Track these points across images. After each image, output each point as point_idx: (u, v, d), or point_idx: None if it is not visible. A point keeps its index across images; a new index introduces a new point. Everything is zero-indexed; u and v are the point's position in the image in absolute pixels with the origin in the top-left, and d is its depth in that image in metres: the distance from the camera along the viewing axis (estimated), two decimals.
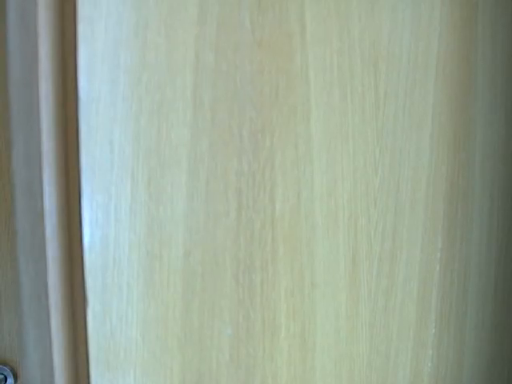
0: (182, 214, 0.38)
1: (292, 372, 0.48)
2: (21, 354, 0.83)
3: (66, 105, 0.33)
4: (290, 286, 0.47)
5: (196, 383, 0.40)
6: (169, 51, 0.36)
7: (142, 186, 0.35)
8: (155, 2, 0.35)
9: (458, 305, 0.71)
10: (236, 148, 0.41)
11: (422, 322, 0.64)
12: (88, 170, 0.33)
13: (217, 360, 0.41)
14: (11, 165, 0.34)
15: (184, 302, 0.39)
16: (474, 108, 0.69)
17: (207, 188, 0.39)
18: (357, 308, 0.55)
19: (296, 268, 0.47)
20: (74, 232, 0.33)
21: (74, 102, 0.32)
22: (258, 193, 0.43)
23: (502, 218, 0.74)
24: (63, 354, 0.33)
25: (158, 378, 0.37)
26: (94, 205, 0.33)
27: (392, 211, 0.58)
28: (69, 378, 0.34)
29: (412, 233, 0.61)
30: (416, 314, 0.63)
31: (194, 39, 0.38)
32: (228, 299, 0.42)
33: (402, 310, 0.61)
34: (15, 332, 0.81)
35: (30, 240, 0.33)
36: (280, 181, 0.45)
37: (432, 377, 0.68)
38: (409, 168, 0.60)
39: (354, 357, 0.56)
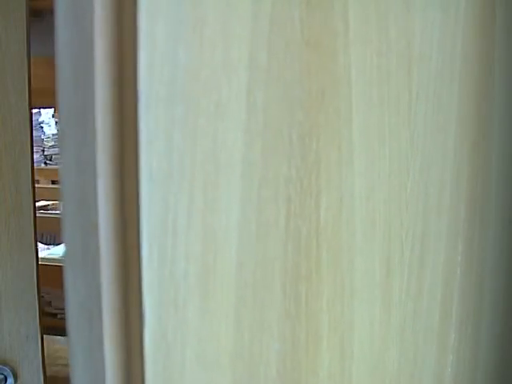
0: (235, 222, 0.35)
1: None
2: (21, 354, 0.80)
3: (123, 108, 0.30)
4: (332, 295, 0.45)
5: None
6: (225, 49, 0.34)
7: (198, 193, 0.33)
8: None
9: (475, 308, 0.70)
10: (286, 152, 0.39)
11: (444, 326, 0.63)
12: (146, 177, 0.30)
13: (265, 376, 0.39)
14: (60, 172, 0.31)
15: (236, 316, 0.36)
16: (492, 109, 0.68)
17: (259, 195, 0.37)
18: (389, 314, 0.53)
19: (337, 277, 0.45)
20: (131, 245, 0.30)
21: (132, 105, 0.29)
22: (304, 199, 0.41)
23: None
24: (117, 379, 0.30)
25: None
26: (151, 215, 0.30)
27: (421, 215, 0.57)
28: None
29: (437, 236, 0.60)
30: (439, 318, 0.62)
31: (248, 36, 0.35)
32: (276, 312, 0.39)
33: (428, 315, 0.60)
34: (15, 332, 0.79)
35: (81, 254, 0.30)
36: (324, 186, 0.43)
37: (451, 382, 0.67)
38: (436, 171, 0.59)
39: (386, 364, 0.54)
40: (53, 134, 5.26)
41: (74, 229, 0.30)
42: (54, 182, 4.78)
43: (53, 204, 4.04)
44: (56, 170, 4.87)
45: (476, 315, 0.71)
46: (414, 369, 0.59)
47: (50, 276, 2.32)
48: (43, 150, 5.06)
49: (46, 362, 0.83)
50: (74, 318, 0.31)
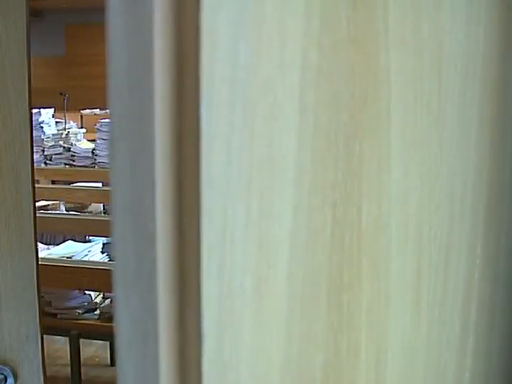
0: (287, 231, 0.33)
1: None
2: (21, 354, 0.77)
3: (182, 110, 0.28)
4: (370, 304, 0.44)
5: None
6: (280, 47, 0.32)
7: (255, 201, 0.31)
8: None
9: (489, 312, 0.70)
10: (333, 155, 0.37)
11: (464, 329, 0.63)
12: (206, 186, 0.28)
13: None
14: (112, 180, 0.28)
15: (286, 329, 0.34)
16: (508, 111, 0.68)
17: (309, 201, 0.35)
18: (418, 320, 0.52)
19: (375, 284, 0.44)
20: (190, 258, 0.28)
21: (192, 108, 0.27)
22: (348, 204, 0.39)
23: None
24: None
25: None
26: (211, 226, 0.28)
27: (447, 217, 0.56)
28: None
29: (460, 239, 0.59)
30: (460, 321, 0.62)
31: (301, 35, 0.33)
32: (321, 322, 0.38)
33: (451, 319, 0.59)
34: (15, 332, 0.77)
35: (135, 267, 0.28)
36: (365, 191, 0.41)
37: None
38: (460, 174, 0.58)
39: (414, 370, 0.53)
40: (53, 134, 5.16)
41: (128, 240, 0.28)
42: (53, 182, 4.70)
43: (53, 204, 3.97)
44: (56, 169, 4.79)
45: (489, 319, 0.70)
46: (437, 376, 0.58)
47: (50, 276, 2.27)
48: (43, 150, 4.96)
49: (46, 362, 0.81)
50: (125, 336, 0.29)
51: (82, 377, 2.52)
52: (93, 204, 4.40)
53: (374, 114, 0.41)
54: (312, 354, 0.37)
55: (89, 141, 5.24)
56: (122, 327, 0.29)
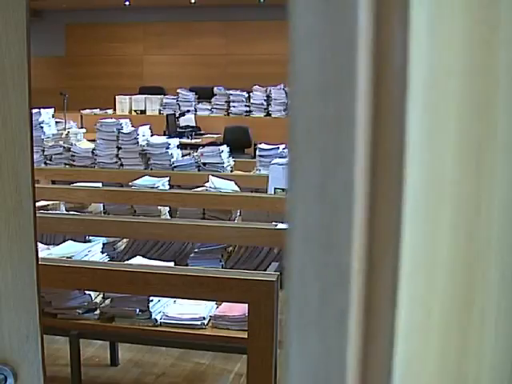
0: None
1: None
2: (21, 354, 0.77)
3: (382, 115, 0.24)
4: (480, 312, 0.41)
5: None
6: (478, 50, 0.29)
7: (444, 219, 0.27)
8: None
9: None
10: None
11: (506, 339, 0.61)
12: (410, 209, 0.24)
13: None
14: (288, 202, 0.24)
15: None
16: None
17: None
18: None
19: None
20: (382, 294, 0.24)
21: (395, 111, 0.24)
22: None
23: None
24: None
25: None
26: (412, 255, 0.25)
27: None
28: None
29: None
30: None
31: (496, 40, 0.30)
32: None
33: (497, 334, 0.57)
34: (15, 332, 0.77)
35: (318, 306, 0.24)
36: None
37: None
38: None
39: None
40: (53, 134, 5.17)
41: (308, 276, 0.24)
42: (53, 182, 4.70)
43: (53, 204, 3.97)
44: (56, 169, 4.78)
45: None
46: None
47: (50, 276, 2.26)
48: (43, 150, 4.96)
49: (46, 362, 0.81)
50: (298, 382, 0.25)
51: (82, 377, 2.52)
52: (93, 204, 4.40)
53: None
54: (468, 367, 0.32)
55: (89, 141, 5.24)
56: (295, 372, 0.25)
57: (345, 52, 0.23)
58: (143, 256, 3.02)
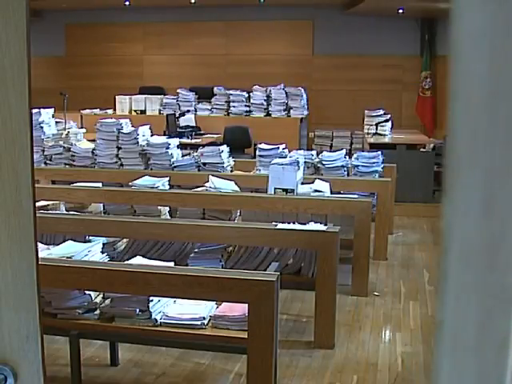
0: None
1: None
2: (21, 354, 0.77)
3: None
4: None
5: None
6: None
7: None
8: None
9: None
10: None
11: None
12: None
13: None
14: (445, 215, 0.22)
15: None
16: None
17: None
18: None
19: None
20: None
21: None
22: None
23: None
24: None
25: None
26: None
27: None
28: None
29: None
30: None
31: None
32: None
33: None
34: (15, 332, 0.77)
35: (476, 332, 0.23)
36: None
37: None
38: None
39: None
40: (53, 134, 5.17)
41: (470, 297, 0.23)
42: (53, 182, 4.71)
43: (53, 204, 3.98)
44: (56, 169, 4.78)
45: None
46: None
47: (50, 276, 2.27)
48: (43, 150, 4.97)
49: (46, 362, 0.81)
50: None
51: (82, 377, 2.52)
52: (93, 204, 4.40)
53: None
54: None
55: (89, 141, 5.24)
56: None
57: None
58: (143, 256, 3.02)
